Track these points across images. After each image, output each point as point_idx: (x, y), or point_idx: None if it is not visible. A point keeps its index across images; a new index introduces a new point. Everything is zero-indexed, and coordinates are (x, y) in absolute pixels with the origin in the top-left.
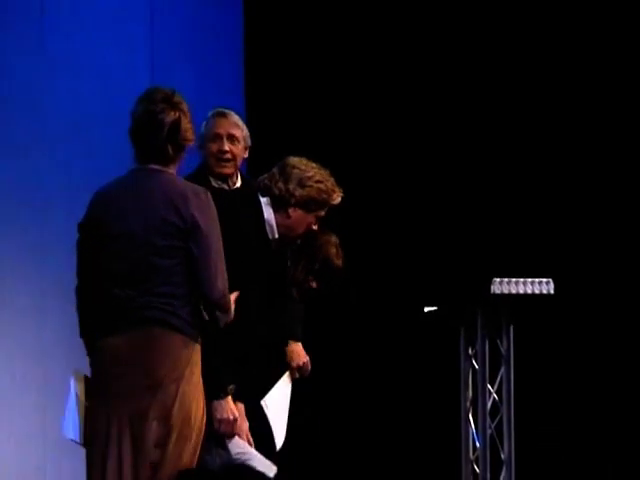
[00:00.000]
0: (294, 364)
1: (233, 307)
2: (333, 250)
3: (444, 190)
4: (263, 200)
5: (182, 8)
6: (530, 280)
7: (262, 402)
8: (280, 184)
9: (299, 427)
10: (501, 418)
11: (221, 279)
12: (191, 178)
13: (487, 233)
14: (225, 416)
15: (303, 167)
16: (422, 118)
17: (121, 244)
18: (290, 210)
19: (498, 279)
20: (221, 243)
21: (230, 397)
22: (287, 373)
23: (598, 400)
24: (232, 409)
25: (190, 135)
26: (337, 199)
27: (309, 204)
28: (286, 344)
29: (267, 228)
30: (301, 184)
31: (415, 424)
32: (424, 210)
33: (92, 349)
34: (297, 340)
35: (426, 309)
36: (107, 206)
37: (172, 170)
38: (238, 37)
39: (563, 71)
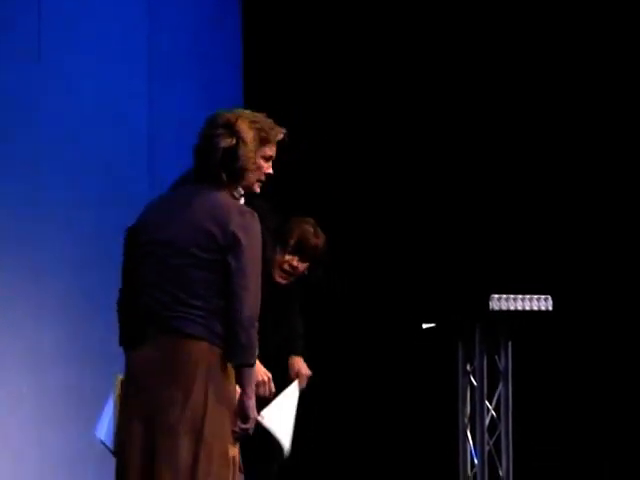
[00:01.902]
0: (304, 372)
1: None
2: (308, 227)
3: (442, 206)
4: None
5: (180, 20)
6: (529, 296)
7: (259, 415)
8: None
9: (297, 442)
10: (499, 435)
11: (254, 298)
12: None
13: (486, 249)
14: (260, 378)
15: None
16: (420, 134)
17: (161, 251)
18: None
19: (496, 295)
20: (260, 265)
21: (258, 360)
22: (295, 383)
23: (597, 417)
24: (264, 371)
25: (251, 164)
26: None
27: None
28: (287, 359)
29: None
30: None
31: (413, 440)
32: (422, 226)
33: (126, 357)
34: (298, 354)
35: (424, 325)
36: (155, 213)
37: (226, 191)
38: (237, 48)
39: (560, 83)
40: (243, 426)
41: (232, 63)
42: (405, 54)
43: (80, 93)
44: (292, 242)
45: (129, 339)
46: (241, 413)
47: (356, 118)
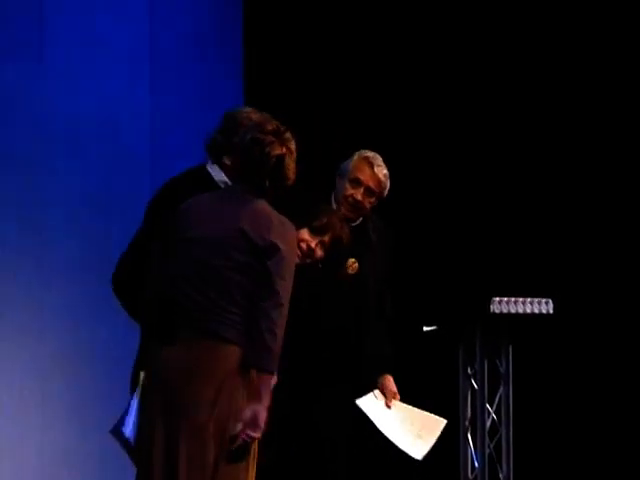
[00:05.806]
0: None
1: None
2: (342, 224)
3: (443, 209)
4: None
5: (181, 17)
6: (529, 300)
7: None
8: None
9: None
10: (500, 438)
11: (285, 306)
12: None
13: (487, 252)
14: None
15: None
16: (421, 138)
17: (199, 249)
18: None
19: (497, 298)
20: (292, 275)
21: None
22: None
23: (597, 420)
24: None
25: (292, 175)
26: None
27: None
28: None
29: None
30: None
31: None
32: (424, 229)
33: (150, 356)
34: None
35: (425, 328)
36: (197, 211)
37: (265, 199)
38: (237, 45)
39: (562, 83)
40: (253, 434)
41: (233, 59)
42: (407, 54)
43: (81, 92)
44: (327, 238)
45: (158, 336)
46: (252, 421)
47: (356, 117)
